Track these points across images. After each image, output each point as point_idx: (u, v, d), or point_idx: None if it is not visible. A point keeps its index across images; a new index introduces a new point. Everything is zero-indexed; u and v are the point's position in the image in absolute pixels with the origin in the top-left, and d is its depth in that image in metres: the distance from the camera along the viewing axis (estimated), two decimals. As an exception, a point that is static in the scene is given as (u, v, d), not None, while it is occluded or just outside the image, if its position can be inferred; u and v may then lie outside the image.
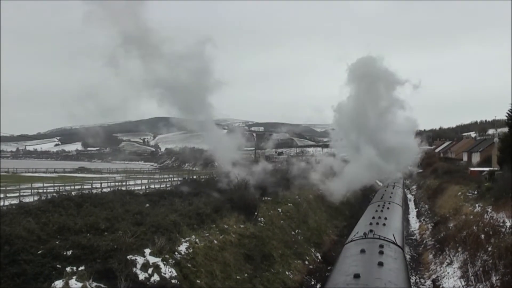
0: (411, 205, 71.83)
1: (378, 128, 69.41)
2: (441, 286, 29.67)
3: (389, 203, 38.66)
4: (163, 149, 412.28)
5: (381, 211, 33.59)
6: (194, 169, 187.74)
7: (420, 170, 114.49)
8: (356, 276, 15.32)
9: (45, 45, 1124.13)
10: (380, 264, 17.17)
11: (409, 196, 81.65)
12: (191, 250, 22.24)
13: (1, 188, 49.55)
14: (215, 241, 25.01)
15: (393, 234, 24.23)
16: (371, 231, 24.00)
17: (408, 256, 34.94)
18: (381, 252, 19.28)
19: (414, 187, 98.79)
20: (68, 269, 16.81)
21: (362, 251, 19.46)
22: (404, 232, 35.65)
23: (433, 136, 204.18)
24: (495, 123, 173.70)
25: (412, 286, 26.30)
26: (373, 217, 29.88)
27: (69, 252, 18.05)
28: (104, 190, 48.25)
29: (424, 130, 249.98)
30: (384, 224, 26.92)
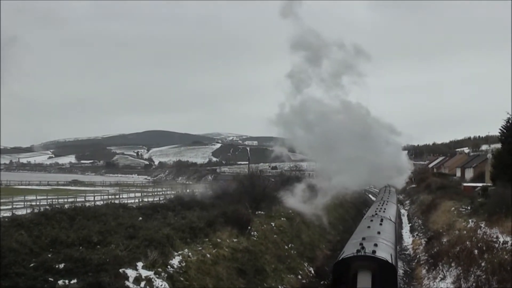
0: (405, 220, 71.90)
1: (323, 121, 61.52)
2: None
3: (388, 202, 55.36)
4: (156, 163, 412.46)
5: (382, 205, 50.75)
6: (188, 182, 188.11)
7: (414, 185, 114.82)
8: (368, 227, 33.22)
9: (40, 56, 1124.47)
10: (381, 224, 34.73)
11: (402, 211, 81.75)
12: (184, 264, 22.20)
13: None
14: (208, 255, 24.97)
15: (389, 216, 41.80)
16: (376, 214, 41.77)
17: (401, 271, 37.47)
18: (381, 221, 36.51)
19: (407, 202, 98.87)
20: (60, 282, 16.75)
21: (371, 220, 37.24)
22: (397, 217, 53.73)
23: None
24: (488, 139, 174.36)
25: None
26: (377, 208, 47.78)
27: (61, 265, 17.98)
28: (97, 203, 48.18)
29: (418, 145, 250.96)
30: (384, 211, 44.38)
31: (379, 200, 59.72)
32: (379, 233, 29.64)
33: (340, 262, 24.35)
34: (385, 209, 46.43)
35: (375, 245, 25.21)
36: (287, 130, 62.58)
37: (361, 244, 24.87)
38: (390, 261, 23.82)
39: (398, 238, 46.07)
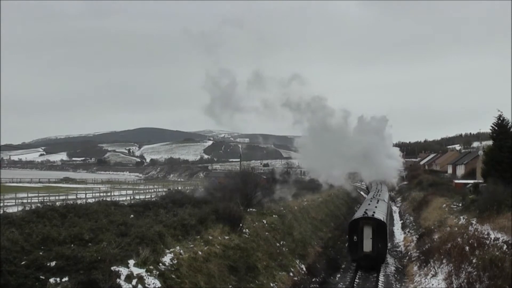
0: (396, 216, 72.14)
1: None
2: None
3: (381, 190, 74.46)
4: (148, 160, 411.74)
5: (378, 192, 69.44)
6: (179, 179, 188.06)
7: (405, 182, 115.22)
8: (369, 204, 49.87)
9: (31, 54, 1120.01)
10: (377, 202, 51.55)
11: (394, 208, 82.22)
12: (176, 261, 22.16)
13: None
14: (200, 252, 24.93)
15: (383, 198, 58.90)
16: (374, 197, 58.93)
17: (393, 268, 40.01)
18: (377, 201, 52.19)
19: (399, 199, 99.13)
20: (51, 280, 16.72)
21: (371, 200, 53.72)
22: (389, 200, 70.23)
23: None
24: (479, 136, 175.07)
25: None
26: (374, 193, 66.49)
27: (53, 263, 17.94)
28: (89, 200, 48.12)
29: (409, 142, 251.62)
30: (379, 195, 61.77)
31: (374, 190, 76.87)
32: (376, 207, 46.86)
33: (353, 221, 41.43)
34: (380, 194, 65.34)
35: (374, 212, 42.30)
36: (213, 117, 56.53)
37: (365, 211, 42.59)
38: (383, 220, 40.97)
39: (390, 235, 50.37)
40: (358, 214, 44.17)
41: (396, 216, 72.55)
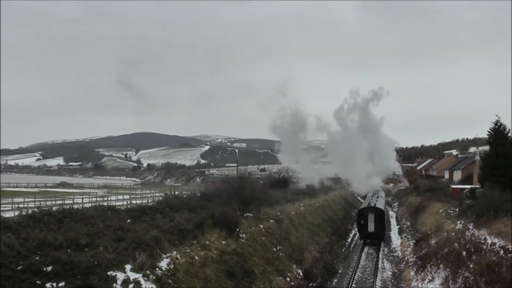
0: (393, 222, 72.24)
1: None
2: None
3: (379, 190, 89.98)
4: (145, 165, 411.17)
5: (377, 192, 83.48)
6: (176, 184, 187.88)
7: (402, 187, 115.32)
8: (371, 198, 69.51)
9: (29, 58, 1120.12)
10: (377, 197, 71.05)
11: (390, 213, 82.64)
12: (172, 266, 22.13)
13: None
14: (196, 257, 24.89)
15: (382, 195, 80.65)
16: (374, 194, 79.01)
17: (389, 273, 39.70)
18: (377, 197, 71.43)
19: (396, 204, 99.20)
20: (48, 285, 16.66)
21: (372, 196, 75.21)
22: (385, 197, 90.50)
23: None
24: (476, 141, 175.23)
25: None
26: (373, 193, 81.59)
27: (49, 268, 17.88)
28: (86, 205, 47.94)
29: (406, 147, 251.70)
30: (378, 193, 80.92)
31: (372, 191, 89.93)
32: (377, 200, 63.38)
33: (360, 209, 58.35)
34: (378, 192, 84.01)
35: (375, 203, 58.88)
36: None
37: (369, 203, 59.85)
38: (382, 209, 57.39)
39: (387, 240, 55.12)
40: (364, 205, 62.26)
41: (393, 221, 72.64)
